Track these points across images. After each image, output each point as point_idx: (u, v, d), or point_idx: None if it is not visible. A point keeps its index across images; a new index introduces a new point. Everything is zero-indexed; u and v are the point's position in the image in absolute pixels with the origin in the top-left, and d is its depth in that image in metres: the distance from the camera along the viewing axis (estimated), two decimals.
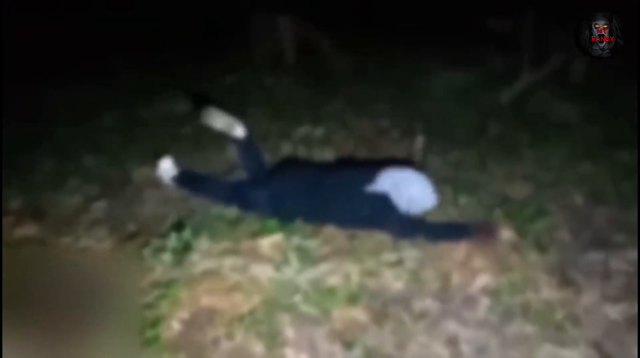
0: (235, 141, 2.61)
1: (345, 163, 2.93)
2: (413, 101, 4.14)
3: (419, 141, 3.20)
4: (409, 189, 2.19)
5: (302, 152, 3.19)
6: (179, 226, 2.22)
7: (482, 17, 5.21)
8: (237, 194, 2.42)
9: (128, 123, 3.82)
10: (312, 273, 1.99)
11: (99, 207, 2.60)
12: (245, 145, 2.63)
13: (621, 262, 2.09)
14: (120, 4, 5.79)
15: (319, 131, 3.51)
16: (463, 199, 2.48)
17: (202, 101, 2.63)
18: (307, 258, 2.05)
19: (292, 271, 1.97)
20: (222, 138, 3.41)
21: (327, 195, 2.26)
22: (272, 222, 2.22)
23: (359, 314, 1.81)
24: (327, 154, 3.16)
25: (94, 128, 3.77)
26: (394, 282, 1.96)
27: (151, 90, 4.49)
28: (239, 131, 2.57)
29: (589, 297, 1.89)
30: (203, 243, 2.11)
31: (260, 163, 2.64)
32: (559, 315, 1.78)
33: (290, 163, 2.90)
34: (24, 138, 3.45)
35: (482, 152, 3.14)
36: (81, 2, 5.61)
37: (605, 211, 2.48)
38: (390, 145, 3.27)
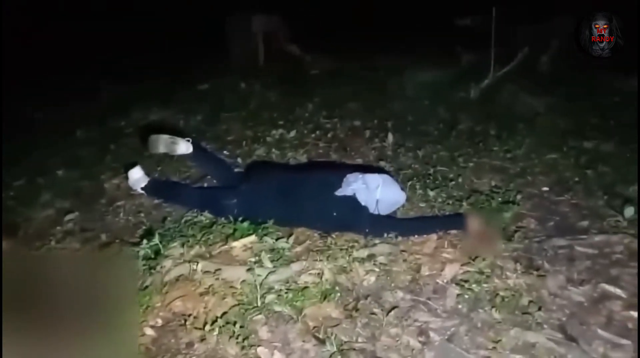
0: (188, 157, 2.60)
1: (314, 166, 2.95)
2: (386, 101, 4.21)
3: (390, 139, 3.26)
4: (377, 192, 2.21)
5: (275, 155, 3.23)
6: (149, 234, 2.22)
7: (451, 16, 5.33)
8: (209, 201, 2.43)
9: (102, 135, 3.81)
10: (285, 273, 2.01)
11: (72, 219, 2.59)
12: (201, 157, 2.64)
13: (585, 247, 2.16)
14: (95, 15, 5.77)
15: (292, 134, 3.54)
16: (433, 194, 2.54)
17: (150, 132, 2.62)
18: (280, 259, 2.07)
19: (265, 272, 1.98)
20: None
21: (297, 200, 2.28)
22: (244, 225, 2.24)
23: (332, 310, 1.84)
24: (299, 157, 3.19)
25: (68, 142, 3.75)
26: (366, 277, 1.99)
27: (126, 101, 4.49)
28: (182, 148, 2.54)
29: (554, 281, 1.94)
30: (175, 250, 2.11)
31: (226, 169, 2.65)
32: (525, 300, 1.83)
33: (260, 167, 2.91)
34: None
35: (452, 147, 3.20)
36: (55, 16, 5.57)
37: (570, 199, 2.55)
38: (362, 144, 3.32)
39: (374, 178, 2.25)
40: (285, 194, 2.30)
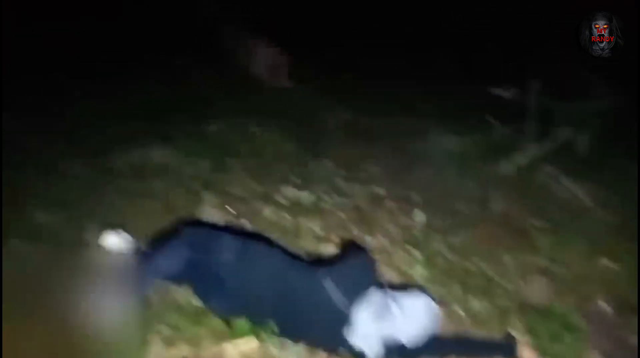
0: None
1: (329, 264, 2.10)
2: (409, 165, 3.85)
3: (419, 217, 2.86)
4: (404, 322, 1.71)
5: (286, 220, 2.83)
6: None
7: (484, 83, 5.07)
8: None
9: (94, 175, 3.38)
10: None
11: None
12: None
13: None
14: (94, 37, 5.47)
15: (305, 195, 3.16)
16: (475, 303, 2.10)
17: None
18: None
19: None
20: (196, 196, 3.04)
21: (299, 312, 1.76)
22: (243, 322, 1.79)
23: None
24: (313, 225, 2.80)
25: (54, 179, 3.32)
26: None
27: (126, 137, 4.10)
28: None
29: None
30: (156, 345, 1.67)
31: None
32: None
33: (257, 249, 2.04)
34: None
35: (488, 234, 2.81)
36: (58, 34, 5.27)
37: (636, 324, 2.13)
38: (386, 219, 2.92)
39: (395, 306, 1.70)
40: (284, 303, 1.77)
